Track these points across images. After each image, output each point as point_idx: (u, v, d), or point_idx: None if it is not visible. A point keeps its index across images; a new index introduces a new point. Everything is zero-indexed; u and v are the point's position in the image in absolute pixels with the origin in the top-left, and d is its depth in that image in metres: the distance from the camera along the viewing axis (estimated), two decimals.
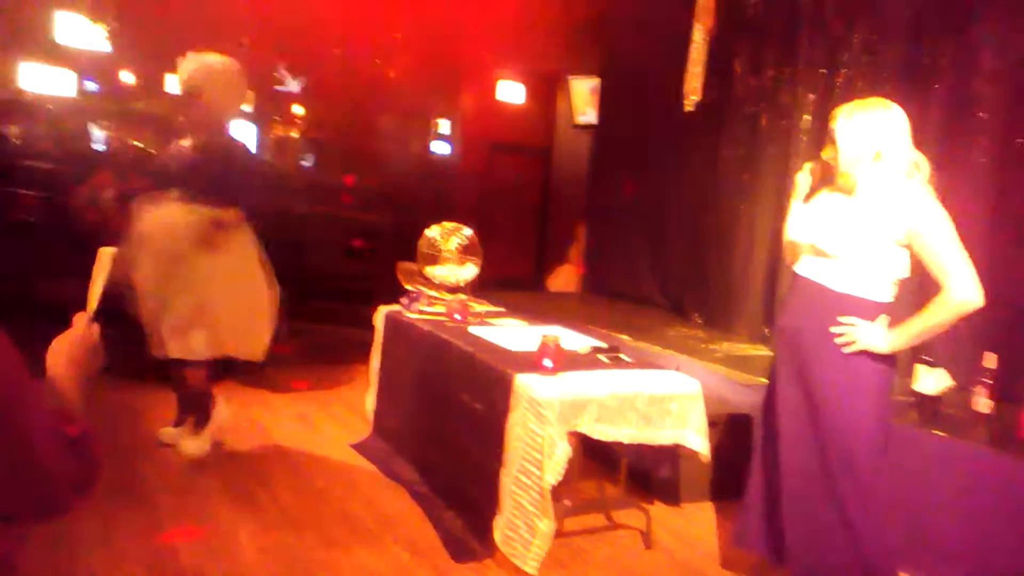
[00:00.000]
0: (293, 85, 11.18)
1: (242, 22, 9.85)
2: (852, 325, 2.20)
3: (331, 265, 7.38)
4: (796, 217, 2.46)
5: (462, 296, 3.83)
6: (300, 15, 9.56)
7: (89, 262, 1.38)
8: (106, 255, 1.29)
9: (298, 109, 11.17)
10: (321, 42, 10.50)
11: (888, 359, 2.26)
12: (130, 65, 9.84)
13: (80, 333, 1.17)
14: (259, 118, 10.96)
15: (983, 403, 3.15)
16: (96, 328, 1.22)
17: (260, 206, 3.64)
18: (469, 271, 3.99)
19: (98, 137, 9.52)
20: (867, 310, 2.23)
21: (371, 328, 4.07)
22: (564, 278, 7.70)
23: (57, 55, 9.33)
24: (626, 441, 2.79)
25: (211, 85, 3.46)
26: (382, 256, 6.95)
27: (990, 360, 3.15)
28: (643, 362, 3.22)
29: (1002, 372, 3.19)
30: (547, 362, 2.81)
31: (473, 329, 3.49)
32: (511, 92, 9.42)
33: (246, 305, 3.49)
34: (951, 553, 2.82)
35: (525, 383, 2.71)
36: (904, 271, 2.25)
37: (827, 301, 2.26)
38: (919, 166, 2.23)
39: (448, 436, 3.22)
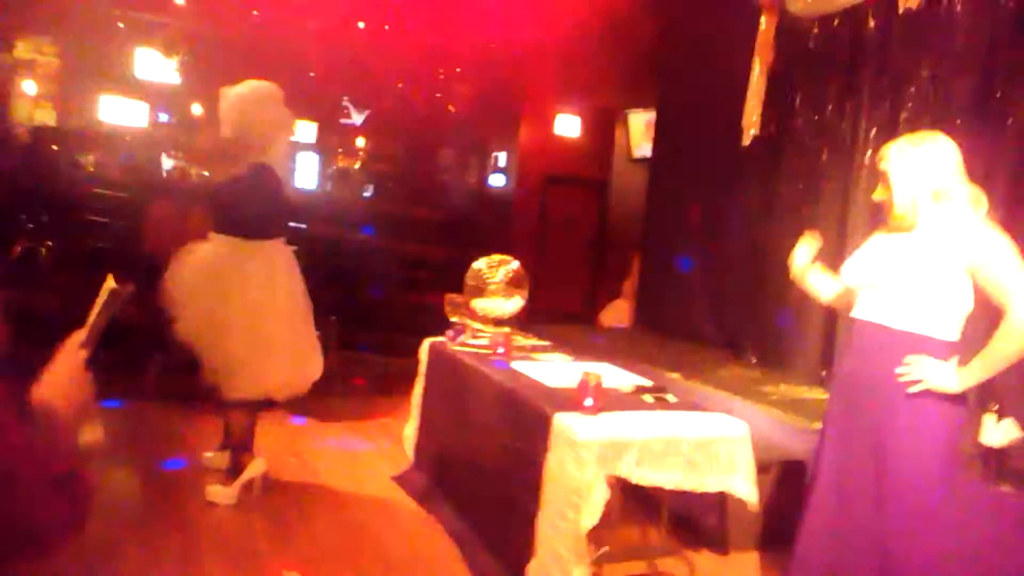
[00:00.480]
0: (357, 118, 11.45)
1: (310, 56, 10.16)
2: (918, 364, 2.08)
3: (389, 295, 7.43)
4: (852, 261, 2.36)
5: (507, 329, 3.78)
6: (366, 49, 9.81)
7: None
8: (107, 286, 1.24)
9: (360, 141, 11.43)
10: (385, 75, 10.74)
11: (958, 404, 2.12)
12: (200, 98, 10.22)
13: (69, 364, 1.14)
14: (323, 150, 11.25)
15: None
16: (83, 355, 1.18)
17: (285, 231, 3.55)
18: (515, 304, 3.94)
19: (168, 167, 9.89)
20: (934, 348, 2.12)
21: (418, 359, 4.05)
22: (617, 313, 7.59)
23: (134, 88, 9.77)
24: (669, 487, 2.68)
25: (239, 111, 3.36)
26: (438, 288, 6.98)
27: None
28: (689, 403, 3.11)
29: None
30: (588, 401, 2.72)
31: (516, 364, 3.43)
32: (569, 126, 9.43)
33: (292, 342, 3.45)
34: None
35: (564, 423, 2.63)
36: (968, 305, 2.13)
37: (891, 341, 2.16)
38: (979, 199, 2.12)
39: (486, 473, 3.15)
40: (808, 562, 2.43)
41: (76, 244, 6.16)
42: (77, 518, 0.95)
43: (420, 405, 3.89)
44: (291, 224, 3.55)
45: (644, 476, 2.62)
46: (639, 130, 8.88)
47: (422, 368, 3.92)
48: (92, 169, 9.00)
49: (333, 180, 11.44)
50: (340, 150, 11.54)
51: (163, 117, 10.26)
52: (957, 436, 2.19)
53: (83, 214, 6.52)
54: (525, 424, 2.85)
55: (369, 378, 5.98)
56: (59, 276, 5.79)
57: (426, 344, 3.93)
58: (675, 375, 4.43)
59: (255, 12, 8.65)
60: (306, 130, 11.11)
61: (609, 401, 2.80)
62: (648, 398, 3.03)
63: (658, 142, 7.04)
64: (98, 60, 9.44)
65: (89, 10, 8.64)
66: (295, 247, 5.73)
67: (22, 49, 9.50)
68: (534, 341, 3.99)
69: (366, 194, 11.35)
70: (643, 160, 8.23)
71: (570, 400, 2.77)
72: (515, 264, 4.03)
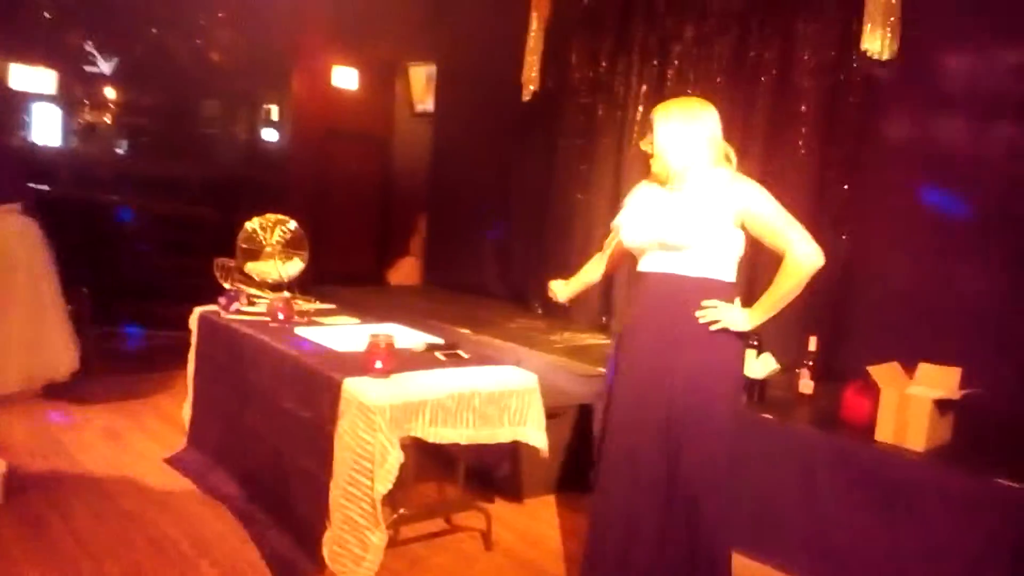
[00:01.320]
0: (104, 66, 10.21)
1: None
2: (714, 307, 2.21)
3: (147, 262, 6.76)
4: (630, 222, 2.43)
5: (286, 294, 3.55)
6: None
7: None
8: None
9: (110, 92, 10.22)
10: (134, 18, 9.66)
11: (742, 340, 2.31)
12: None
13: None
14: (67, 102, 9.93)
15: (807, 384, 3.28)
16: None
17: (19, 195, 3.07)
18: (294, 266, 3.71)
19: None
20: (722, 291, 2.26)
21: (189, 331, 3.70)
22: (406, 271, 7.50)
23: None
24: (464, 443, 2.66)
25: None
26: (208, 252, 6.45)
27: (811, 343, 3.28)
28: (481, 358, 3.10)
29: (822, 353, 3.34)
30: (378, 363, 2.61)
31: (299, 330, 3.23)
32: (347, 78, 9.04)
33: (32, 327, 2.96)
34: (787, 532, 2.90)
35: (354, 387, 2.50)
36: (741, 250, 2.30)
37: (684, 287, 2.26)
38: (729, 157, 2.32)
39: (273, 447, 2.95)
40: (609, 492, 2.45)
41: None
42: None
43: (194, 379, 3.57)
44: (28, 186, 3.03)
45: (439, 434, 2.58)
46: (420, 84, 8.71)
47: (194, 340, 3.59)
48: None
49: (79, 136, 10.18)
50: (86, 102, 10.27)
51: None
52: (741, 369, 2.37)
53: None
54: (312, 392, 2.69)
55: (132, 354, 5.43)
56: None
57: (196, 313, 3.60)
58: (465, 330, 4.43)
59: None
60: (43, 78, 9.75)
61: (401, 362, 2.71)
62: (440, 356, 2.98)
63: (440, 97, 6.96)
64: None
65: None
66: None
67: None
68: (317, 305, 3.79)
69: (119, 151, 10.22)
70: (426, 115, 8.10)
71: (359, 364, 2.64)
72: (292, 224, 3.79)
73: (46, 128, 9.94)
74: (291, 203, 8.61)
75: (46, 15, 9.04)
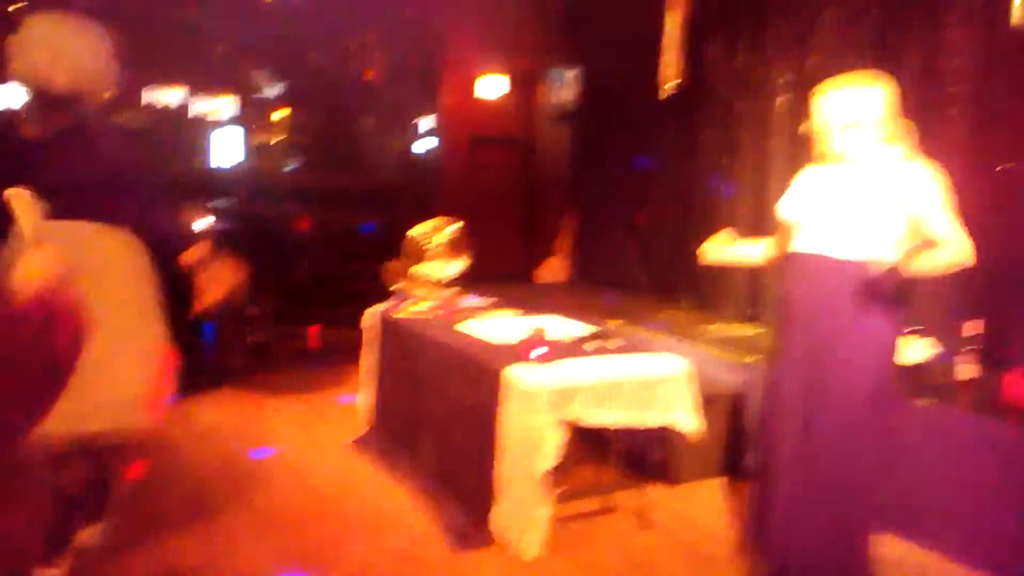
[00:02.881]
0: (272, 91, 11.17)
1: (218, 31, 9.84)
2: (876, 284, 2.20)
3: (322, 267, 7.40)
4: (790, 197, 2.49)
5: (449, 293, 3.86)
6: (275, 20, 9.55)
7: None
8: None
9: (280, 114, 11.17)
10: (295, 46, 10.49)
11: (896, 324, 2.29)
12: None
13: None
14: (245, 124, 10.97)
15: (968, 370, 3.21)
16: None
17: (157, 221, 2.58)
18: (457, 267, 4.01)
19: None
20: (882, 272, 2.22)
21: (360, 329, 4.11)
22: (552, 270, 7.74)
23: None
24: (616, 426, 2.83)
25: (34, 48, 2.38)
26: (371, 257, 6.97)
27: (974, 327, 3.20)
28: (632, 346, 3.26)
29: (988, 339, 3.25)
30: (535, 352, 2.84)
31: (461, 325, 3.52)
32: (491, 87, 9.42)
33: (118, 365, 2.38)
34: (939, 516, 2.87)
35: (513, 375, 2.74)
36: (901, 230, 2.27)
37: (837, 268, 2.27)
38: (906, 134, 2.26)
39: (443, 430, 3.25)
40: (770, 474, 2.52)
41: None
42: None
43: (370, 373, 3.96)
44: (160, 214, 2.55)
45: (593, 417, 2.76)
46: (561, 88, 8.94)
47: (367, 337, 3.97)
48: None
49: (254, 155, 11.18)
50: (261, 124, 11.26)
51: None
52: (894, 351, 2.37)
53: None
54: (476, 380, 2.96)
55: (310, 351, 5.99)
56: None
57: (368, 313, 3.99)
58: (616, 322, 4.59)
59: None
60: (222, 106, 10.81)
61: (556, 351, 2.92)
62: (592, 344, 3.17)
63: (581, 99, 7.14)
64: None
65: None
66: (221, 224, 5.69)
67: None
68: (478, 301, 4.08)
69: (290, 167, 11.14)
70: (567, 118, 8.32)
71: (518, 353, 2.88)
72: (455, 226, 4.10)
73: (226, 150, 10.99)
74: (443, 208, 9.08)
75: (221, 50, 10.03)
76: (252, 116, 11.05)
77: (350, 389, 4.65)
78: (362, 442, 3.87)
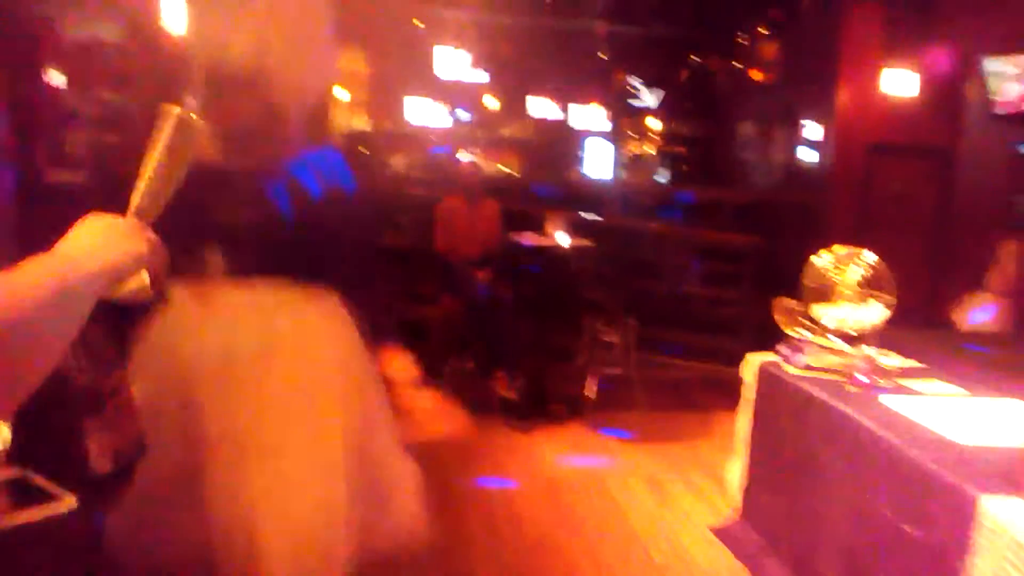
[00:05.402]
0: (649, 99, 10.76)
1: (598, 38, 9.70)
2: None
3: (687, 290, 6.69)
4: None
5: (866, 349, 2.85)
6: (651, 21, 9.10)
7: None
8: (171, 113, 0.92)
9: (653, 123, 10.72)
10: (677, 48, 9.94)
11: None
12: (496, 92, 10.23)
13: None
14: (616, 137, 10.73)
15: None
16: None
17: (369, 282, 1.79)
18: (875, 312, 2.98)
19: (466, 162, 10.01)
20: None
21: (732, 363, 3.30)
22: (980, 313, 6.08)
23: (435, 88, 10.04)
24: None
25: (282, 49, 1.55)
26: (743, 282, 6.10)
27: None
28: None
29: None
30: None
31: (886, 399, 2.52)
32: (899, 82, 7.89)
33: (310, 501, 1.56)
34: None
35: (1000, 513, 1.72)
36: None
37: None
38: None
39: (848, 549, 2.30)
40: None
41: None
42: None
43: (747, 441, 3.11)
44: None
45: None
46: (1001, 81, 7.13)
47: (747, 393, 3.13)
48: (400, 170, 9.37)
49: (626, 167, 10.89)
50: (632, 134, 10.96)
51: (462, 115, 10.46)
52: None
53: (391, 214, 6.55)
54: (922, 499, 1.97)
55: (671, 386, 5.28)
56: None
57: (751, 363, 3.14)
58: None
59: None
60: (596, 116, 10.70)
61: None
62: None
63: None
64: (400, 63, 9.80)
65: (391, 15, 8.94)
66: (590, 241, 5.25)
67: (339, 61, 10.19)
68: (900, 361, 3.02)
69: (660, 179, 10.65)
70: (1007, 117, 6.56)
71: (1001, 472, 1.84)
72: (871, 257, 3.08)
73: (597, 162, 10.86)
74: (832, 228, 7.82)
75: (600, 56, 9.86)
76: (624, 126, 10.76)
77: (717, 446, 3.85)
78: (728, 534, 3.03)
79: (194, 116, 0.96)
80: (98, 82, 3.36)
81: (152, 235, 0.88)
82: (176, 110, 0.96)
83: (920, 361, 3.12)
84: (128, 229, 0.84)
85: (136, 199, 0.94)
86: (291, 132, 1.65)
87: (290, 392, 1.57)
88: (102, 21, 3.52)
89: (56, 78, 2.97)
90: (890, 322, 3.00)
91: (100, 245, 0.77)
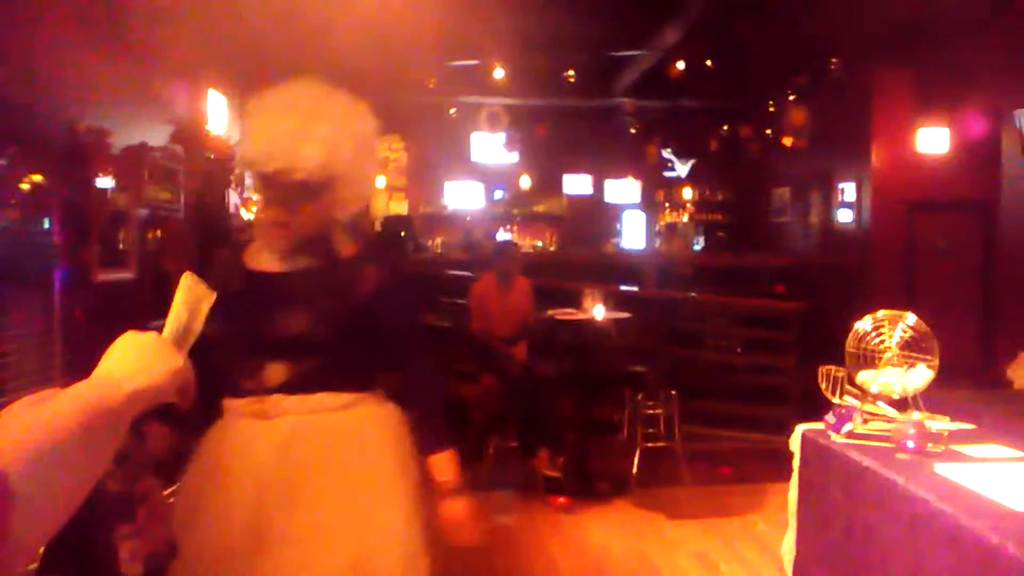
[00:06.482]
0: (681, 169, 10.86)
1: (622, 113, 9.87)
2: None
3: (728, 359, 6.58)
4: None
5: (916, 414, 2.77)
6: (687, 97, 9.24)
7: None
8: (187, 281, 0.99)
9: (687, 192, 10.79)
10: (707, 120, 10.07)
11: None
12: (531, 171, 10.43)
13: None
14: (648, 207, 10.81)
15: None
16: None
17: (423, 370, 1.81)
18: (919, 376, 2.90)
19: (503, 241, 10.14)
20: None
21: (779, 432, 3.20)
22: None
23: (471, 171, 10.29)
24: None
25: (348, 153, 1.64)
26: (785, 348, 5.98)
27: None
28: None
29: None
30: None
31: (941, 467, 2.43)
32: (935, 139, 7.86)
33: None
34: None
35: None
36: None
37: None
38: None
39: None
40: None
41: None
42: None
43: (798, 514, 3.01)
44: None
45: None
46: None
47: (797, 464, 3.05)
48: (439, 251, 9.51)
49: (660, 237, 10.91)
50: (666, 205, 11.03)
51: (497, 194, 10.67)
52: None
53: (431, 296, 6.60)
54: (982, 572, 1.88)
55: (718, 459, 5.14)
56: None
57: (799, 433, 3.06)
58: None
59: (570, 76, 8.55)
60: (630, 189, 10.82)
61: None
62: None
63: None
64: (438, 148, 10.09)
65: (427, 103, 9.26)
66: (627, 314, 5.23)
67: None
68: (949, 424, 2.91)
69: (696, 247, 10.62)
70: None
71: None
72: (912, 319, 3.01)
73: (633, 233, 10.91)
74: (874, 288, 7.69)
75: (632, 131, 10.01)
76: (658, 196, 10.84)
77: (769, 519, 3.73)
78: None
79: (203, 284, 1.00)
80: (145, 183, 3.52)
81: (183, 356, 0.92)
82: (190, 280, 1.00)
83: (974, 423, 3.01)
84: (164, 348, 0.88)
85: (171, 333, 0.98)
86: (344, 233, 1.74)
87: (346, 497, 1.64)
88: (152, 127, 3.72)
89: (105, 181, 3.13)
90: (941, 383, 2.91)
91: (140, 368, 0.82)
